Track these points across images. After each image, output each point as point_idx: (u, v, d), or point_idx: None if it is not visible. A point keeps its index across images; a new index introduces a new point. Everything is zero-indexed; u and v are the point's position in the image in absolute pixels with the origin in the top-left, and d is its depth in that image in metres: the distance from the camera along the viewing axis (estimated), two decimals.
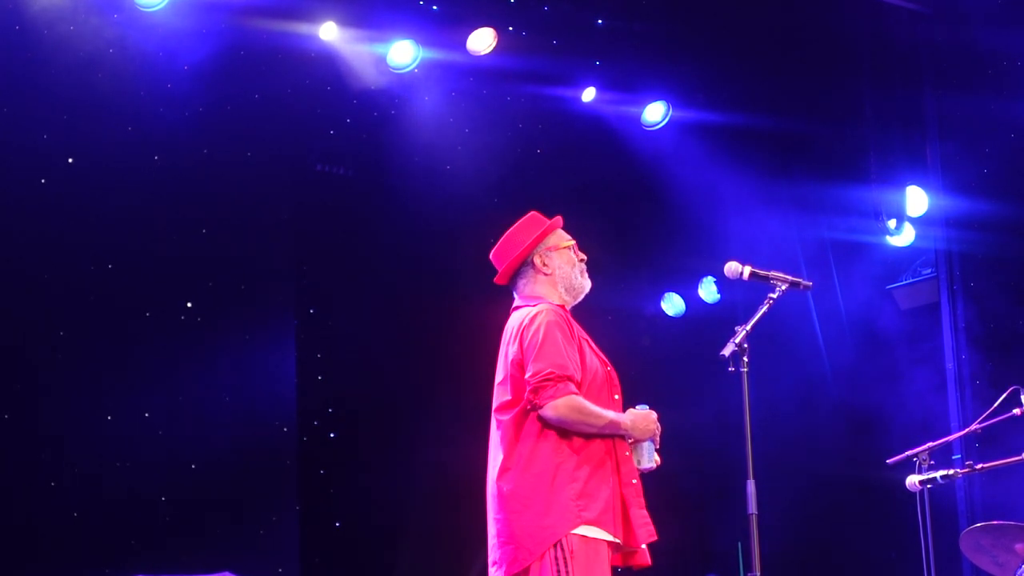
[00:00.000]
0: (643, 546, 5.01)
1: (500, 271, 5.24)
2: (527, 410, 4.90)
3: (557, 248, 5.22)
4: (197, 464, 8.06)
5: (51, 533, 7.55)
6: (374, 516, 8.80)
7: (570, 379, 4.87)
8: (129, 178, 7.89)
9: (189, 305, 8.25)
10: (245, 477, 8.21)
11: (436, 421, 8.82)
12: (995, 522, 6.24)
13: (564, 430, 4.88)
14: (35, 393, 7.68)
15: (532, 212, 5.30)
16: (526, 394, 4.88)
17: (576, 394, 4.87)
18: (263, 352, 8.58)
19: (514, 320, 5.09)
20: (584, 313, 5.24)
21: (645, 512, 5.01)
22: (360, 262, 8.97)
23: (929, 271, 9.40)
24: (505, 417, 4.95)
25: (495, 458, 4.97)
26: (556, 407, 4.83)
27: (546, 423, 4.87)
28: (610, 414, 4.96)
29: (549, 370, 4.84)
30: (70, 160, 7.76)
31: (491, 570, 4.95)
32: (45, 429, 7.67)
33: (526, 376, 4.88)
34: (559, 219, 5.29)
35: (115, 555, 7.57)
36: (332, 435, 8.89)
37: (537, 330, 4.92)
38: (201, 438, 8.08)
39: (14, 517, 7.41)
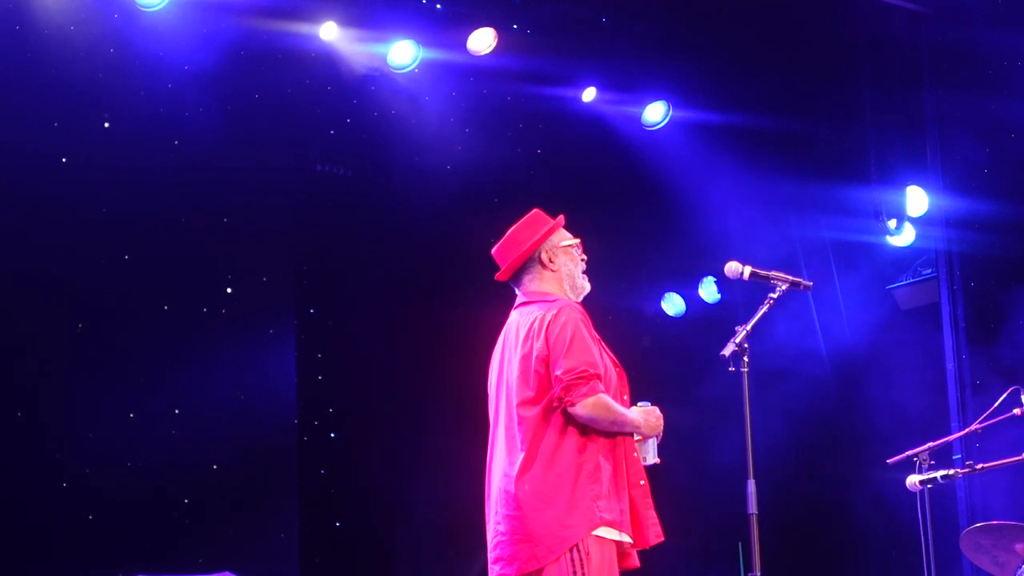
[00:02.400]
0: (635, 550, 5.04)
1: (504, 267, 5.24)
2: (553, 407, 4.90)
3: (562, 247, 5.24)
4: (197, 464, 8.05)
5: (50, 533, 7.54)
6: (374, 516, 8.80)
7: (599, 378, 4.89)
8: (129, 178, 7.88)
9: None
10: (245, 477, 8.20)
11: (436, 421, 8.82)
12: (995, 522, 6.25)
13: (585, 429, 4.89)
14: (37, 393, 7.68)
15: (536, 209, 5.31)
16: (556, 391, 4.88)
17: (605, 392, 4.89)
18: (263, 352, 8.57)
19: (529, 316, 5.07)
20: (585, 313, 5.23)
21: (653, 513, 5.03)
22: (360, 262, 8.97)
23: (929, 271, 9.40)
24: (528, 413, 4.93)
25: (511, 454, 4.95)
26: (586, 405, 4.84)
27: (572, 420, 4.88)
28: (630, 413, 4.99)
29: (583, 368, 4.85)
30: (65, 160, 7.75)
31: (496, 566, 4.93)
32: (47, 429, 7.67)
33: (557, 373, 4.87)
34: (562, 218, 5.30)
35: (115, 555, 7.56)
36: (332, 435, 8.88)
37: (565, 327, 4.92)
38: (201, 438, 8.07)
39: (13, 516, 7.42)
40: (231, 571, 7.03)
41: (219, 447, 8.13)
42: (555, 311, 4.98)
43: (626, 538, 4.92)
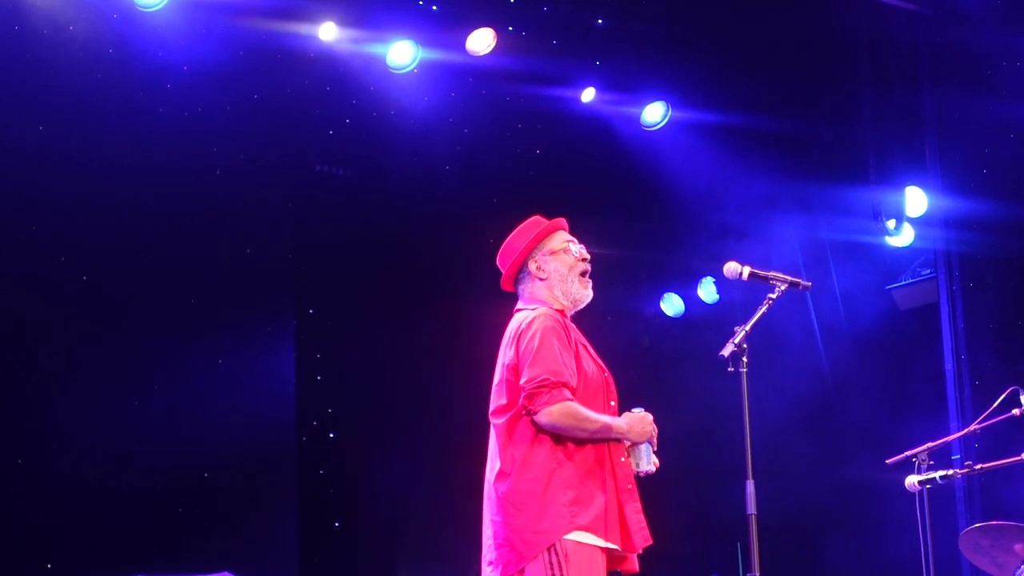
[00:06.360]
0: (634, 555, 5.02)
1: (504, 277, 5.24)
2: (521, 415, 4.90)
3: (553, 252, 5.18)
4: (197, 464, 8.07)
5: (50, 533, 7.55)
6: (374, 516, 8.81)
7: (565, 385, 4.85)
8: (129, 178, 7.90)
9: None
10: (245, 477, 8.22)
11: (436, 421, 8.83)
12: (994, 522, 6.24)
13: (559, 435, 4.88)
14: (34, 393, 7.69)
15: (534, 216, 5.27)
16: (521, 399, 4.88)
17: (571, 400, 4.86)
18: (263, 352, 8.59)
19: (513, 323, 5.08)
20: (584, 314, 5.23)
21: (641, 516, 4.99)
22: (360, 262, 8.98)
23: (928, 271, 9.40)
24: (499, 421, 4.95)
25: (492, 460, 4.98)
26: (550, 413, 4.82)
27: (540, 429, 4.88)
28: (604, 418, 4.94)
29: (544, 376, 4.82)
30: (63, 160, 7.75)
31: (486, 569, 4.96)
32: (46, 429, 7.68)
33: (521, 381, 4.86)
34: (560, 221, 5.25)
35: (114, 555, 7.58)
36: (332, 435, 8.89)
37: (533, 335, 4.90)
38: (201, 438, 8.09)
39: (13, 517, 7.42)
40: (231, 571, 7.04)
41: (219, 447, 8.14)
42: (529, 319, 4.97)
43: (600, 542, 4.88)
